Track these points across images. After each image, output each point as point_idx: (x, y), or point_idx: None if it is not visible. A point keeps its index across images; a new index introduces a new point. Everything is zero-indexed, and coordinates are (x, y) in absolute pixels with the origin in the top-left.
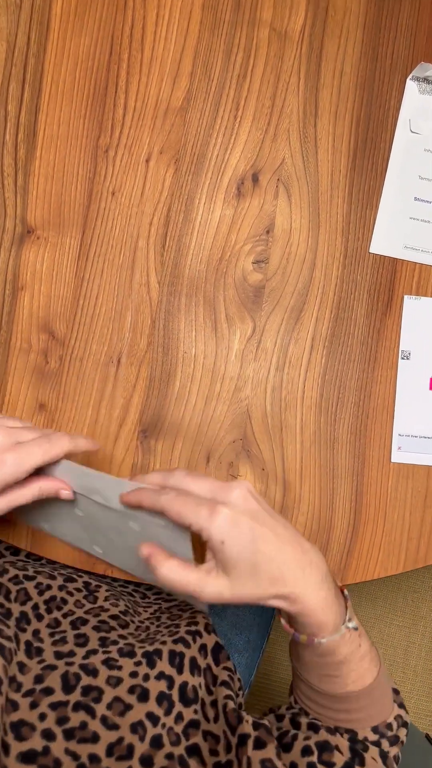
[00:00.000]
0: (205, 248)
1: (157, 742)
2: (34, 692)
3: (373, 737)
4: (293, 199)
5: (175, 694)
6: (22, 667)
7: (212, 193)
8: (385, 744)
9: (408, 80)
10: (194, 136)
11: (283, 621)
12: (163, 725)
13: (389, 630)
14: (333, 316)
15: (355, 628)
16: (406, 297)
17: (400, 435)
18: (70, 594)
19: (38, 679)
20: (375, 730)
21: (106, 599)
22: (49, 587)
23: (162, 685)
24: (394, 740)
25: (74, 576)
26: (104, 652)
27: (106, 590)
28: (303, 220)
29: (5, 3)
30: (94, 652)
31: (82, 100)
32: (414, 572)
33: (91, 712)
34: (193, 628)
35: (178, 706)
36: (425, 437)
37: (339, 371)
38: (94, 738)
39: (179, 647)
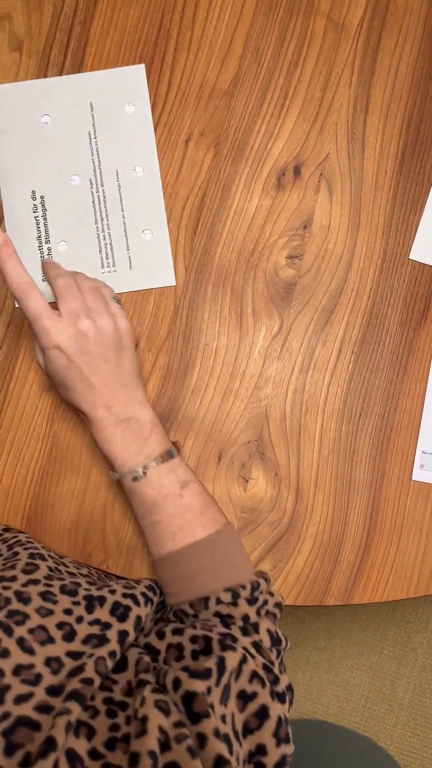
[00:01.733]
0: (237, 238)
1: (76, 672)
2: None
3: (226, 597)
4: (335, 195)
5: (113, 637)
6: None
7: (251, 182)
8: (243, 606)
9: None
10: (238, 122)
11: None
12: (90, 655)
13: (378, 659)
14: (365, 322)
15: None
16: None
17: (423, 452)
18: (41, 558)
19: None
20: (229, 590)
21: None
22: (18, 541)
23: (94, 629)
24: (252, 601)
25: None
26: (46, 585)
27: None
28: (343, 218)
29: None
30: (36, 582)
31: None
32: (409, 602)
33: (9, 631)
34: (150, 594)
35: (115, 646)
36: None
37: (366, 379)
38: (4, 653)
39: (127, 601)
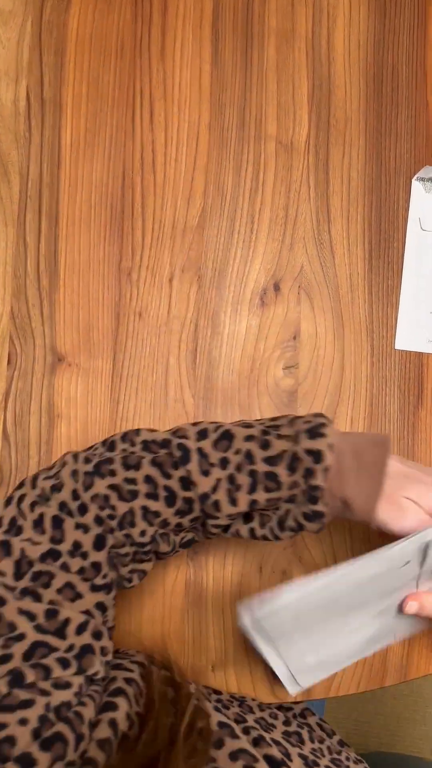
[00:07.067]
0: (235, 360)
1: None
2: None
3: None
4: (315, 303)
5: None
6: None
7: (237, 306)
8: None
9: (413, 181)
10: (213, 252)
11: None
12: None
13: (419, 681)
14: (367, 414)
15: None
16: None
17: None
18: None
19: None
20: None
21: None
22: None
23: None
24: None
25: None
26: None
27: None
28: (327, 324)
29: (15, 137)
30: None
31: (100, 227)
32: None
33: None
34: None
35: None
36: None
37: None
38: None
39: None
